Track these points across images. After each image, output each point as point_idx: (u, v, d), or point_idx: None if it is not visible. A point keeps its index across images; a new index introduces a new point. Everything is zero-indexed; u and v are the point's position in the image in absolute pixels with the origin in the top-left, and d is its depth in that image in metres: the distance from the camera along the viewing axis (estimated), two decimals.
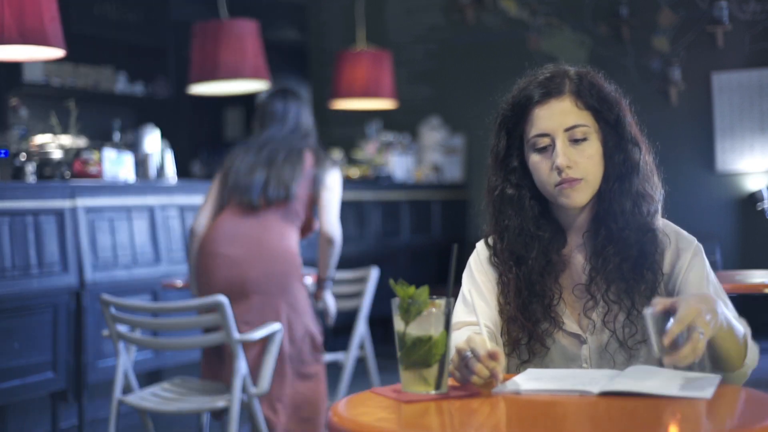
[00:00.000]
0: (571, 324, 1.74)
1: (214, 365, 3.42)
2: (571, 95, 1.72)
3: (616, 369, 1.67)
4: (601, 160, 1.72)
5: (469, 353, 1.46)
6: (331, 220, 3.53)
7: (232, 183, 3.54)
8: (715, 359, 1.60)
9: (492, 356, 1.45)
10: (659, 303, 1.45)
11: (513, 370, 1.76)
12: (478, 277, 1.80)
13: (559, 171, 1.69)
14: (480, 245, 1.85)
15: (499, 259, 1.79)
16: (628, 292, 1.71)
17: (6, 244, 3.75)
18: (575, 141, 1.70)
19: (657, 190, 1.76)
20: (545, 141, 1.71)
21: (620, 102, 1.75)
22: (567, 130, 1.70)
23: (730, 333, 1.55)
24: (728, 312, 1.59)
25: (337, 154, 6.84)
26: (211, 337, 3.14)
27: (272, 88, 3.86)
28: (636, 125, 1.77)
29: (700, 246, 1.76)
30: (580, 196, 1.71)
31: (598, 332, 1.72)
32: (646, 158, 1.75)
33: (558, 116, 1.71)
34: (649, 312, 1.44)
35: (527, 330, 1.73)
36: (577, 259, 1.77)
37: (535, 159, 1.73)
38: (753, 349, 1.64)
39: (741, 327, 1.60)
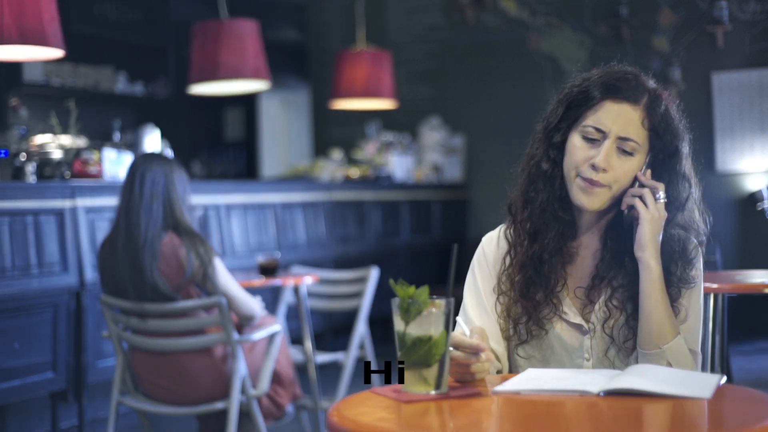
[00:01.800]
0: (573, 315, 1.74)
1: (172, 390, 3.25)
2: (644, 109, 1.71)
3: (597, 369, 1.69)
4: (631, 179, 1.71)
5: (451, 348, 1.49)
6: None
7: None
8: (641, 322, 1.68)
9: (475, 341, 1.51)
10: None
11: (512, 350, 1.77)
12: (481, 283, 1.80)
13: (594, 168, 1.69)
14: (486, 239, 1.84)
15: (516, 229, 1.79)
16: (633, 300, 1.72)
17: (6, 244, 3.75)
18: (622, 150, 1.70)
19: (699, 227, 1.77)
20: (596, 135, 1.70)
21: (683, 135, 1.75)
22: (621, 138, 1.70)
23: (663, 298, 1.66)
24: (690, 338, 1.70)
25: (337, 154, 6.84)
26: (211, 337, 3.14)
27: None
28: (691, 163, 1.77)
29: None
30: (597, 201, 1.71)
31: (597, 337, 1.73)
32: (693, 196, 1.76)
33: (622, 121, 1.70)
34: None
35: (527, 311, 1.74)
36: (585, 260, 1.78)
37: (576, 143, 1.72)
38: (682, 351, 1.67)
39: (679, 329, 1.68)
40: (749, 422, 1.27)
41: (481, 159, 6.95)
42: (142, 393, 3.32)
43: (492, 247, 1.82)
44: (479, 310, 1.77)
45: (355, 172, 6.49)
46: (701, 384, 1.44)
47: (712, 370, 3.06)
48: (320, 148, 7.75)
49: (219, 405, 3.16)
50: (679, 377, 1.50)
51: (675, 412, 1.35)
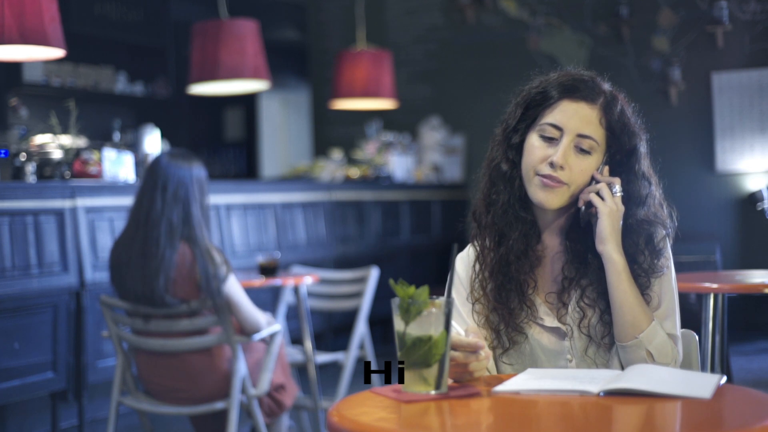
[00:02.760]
0: (550, 320, 1.75)
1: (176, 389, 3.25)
2: (600, 109, 1.73)
3: (596, 369, 1.70)
4: (589, 177, 1.73)
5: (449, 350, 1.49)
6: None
7: None
8: (614, 315, 1.69)
9: (472, 340, 1.52)
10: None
11: (498, 359, 1.78)
12: (457, 299, 1.81)
13: (552, 166, 1.70)
14: (458, 260, 1.85)
15: (482, 235, 1.80)
16: (603, 296, 1.73)
17: (6, 244, 3.75)
18: (579, 149, 1.72)
19: (664, 221, 1.76)
20: (554, 133, 1.72)
21: (640, 135, 1.77)
22: (579, 135, 1.71)
23: (632, 288, 1.68)
24: (667, 323, 1.70)
25: (337, 154, 6.84)
26: (211, 338, 3.14)
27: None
28: (649, 161, 1.78)
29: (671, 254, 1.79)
30: (556, 199, 1.72)
31: (576, 338, 1.74)
32: (654, 194, 1.76)
33: (579, 119, 1.72)
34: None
35: (503, 317, 1.75)
36: (551, 264, 1.79)
37: (534, 142, 1.74)
38: (659, 336, 1.68)
39: (651, 314, 1.69)
40: (749, 422, 1.27)
41: (481, 159, 6.88)
42: (145, 392, 3.32)
43: (464, 264, 1.84)
44: (460, 327, 1.78)
45: (355, 172, 6.49)
46: (701, 384, 1.44)
47: (712, 370, 3.06)
48: (320, 148, 7.75)
49: (219, 405, 3.16)
50: (679, 377, 1.50)
51: (675, 412, 1.35)
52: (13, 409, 3.99)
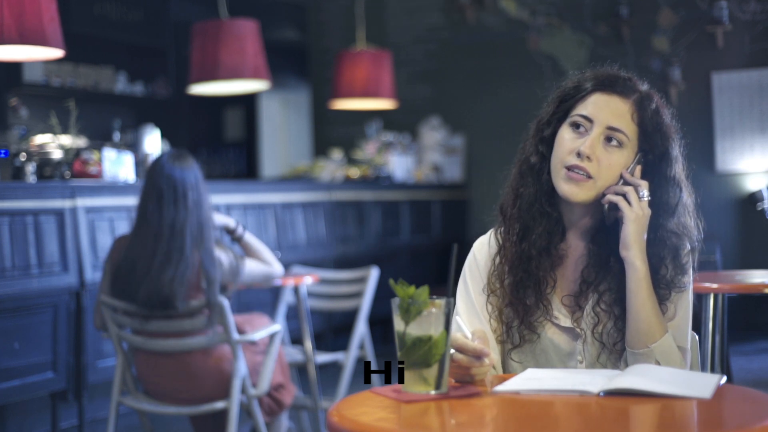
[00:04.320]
0: (564, 320, 1.74)
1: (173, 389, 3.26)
2: (633, 104, 1.71)
3: (597, 369, 1.69)
4: (618, 174, 1.70)
5: (452, 351, 1.48)
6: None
7: None
8: (629, 321, 1.67)
9: (478, 346, 1.50)
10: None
11: (506, 354, 1.77)
12: (472, 287, 1.79)
13: (579, 155, 1.68)
14: (477, 245, 1.84)
15: (506, 228, 1.78)
16: (619, 302, 1.71)
17: (6, 244, 3.75)
18: (609, 142, 1.70)
19: (692, 234, 1.73)
20: (585, 124, 1.71)
21: (674, 139, 1.74)
22: (609, 128, 1.69)
23: (650, 297, 1.66)
24: (679, 335, 1.69)
25: (337, 154, 6.84)
26: (210, 338, 3.14)
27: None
28: (683, 168, 1.75)
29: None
30: (582, 193, 1.70)
31: (589, 342, 1.73)
32: (685, 202, 1.73)
33: (610, 111, 1.70)
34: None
35: (519, 314, 1.73)
36: (572, 266, 1.77)
37: (564, 134, 1.73)
38: (671, 348, 1.67)
39: (665, 326, 1.68)
40: (749, 422, 1.27)
41: (481, 159, 6.95)
42: (145, 392, 3.32)
43: (483, 252, 1.82)
44: (472, 318, 1.77)
45: (355, 172, 6.49)
46: (701, 384, 1.44)
47: (712, 370, 3.06)
48: (320, 148, 7.75)
49: (219, 405, 3.16)
50: (679, 377, 1.50)
51: (675, 412, 1.35)
52: (13, 409, 3.99)
